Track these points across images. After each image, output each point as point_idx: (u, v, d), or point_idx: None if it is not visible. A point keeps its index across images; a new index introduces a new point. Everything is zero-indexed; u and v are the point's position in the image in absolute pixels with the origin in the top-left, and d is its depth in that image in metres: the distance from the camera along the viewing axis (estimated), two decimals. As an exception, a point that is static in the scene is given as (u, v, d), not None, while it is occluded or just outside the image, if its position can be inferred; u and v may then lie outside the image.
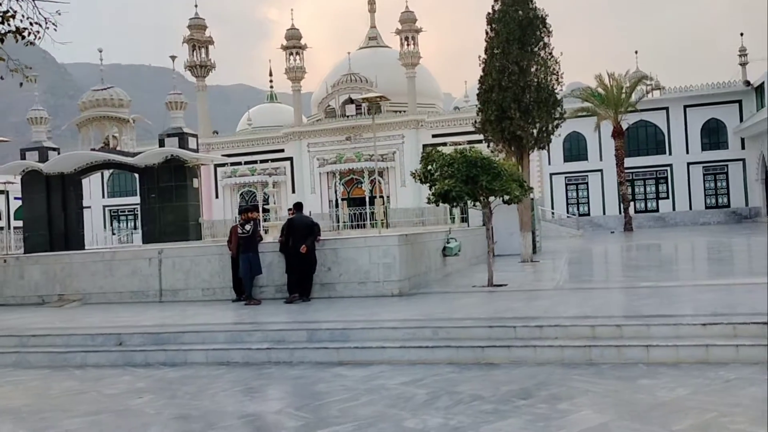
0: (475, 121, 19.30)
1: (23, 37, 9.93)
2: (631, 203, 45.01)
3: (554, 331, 7.72)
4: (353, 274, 12.21)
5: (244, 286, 11.93)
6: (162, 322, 9.94)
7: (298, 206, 12.65)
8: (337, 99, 52.29)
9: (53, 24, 10.10)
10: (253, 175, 51.75)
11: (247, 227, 11.88)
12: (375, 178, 49.48)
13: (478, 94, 19.08)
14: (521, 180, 13.04)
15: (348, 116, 51.22)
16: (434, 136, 48.70)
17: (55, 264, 13.79)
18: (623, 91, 38.19)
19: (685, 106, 45.04)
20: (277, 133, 53.09)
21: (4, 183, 26.33)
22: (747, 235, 27.90)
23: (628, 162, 44.99)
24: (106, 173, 55.65)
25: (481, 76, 18.92)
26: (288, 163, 52.58)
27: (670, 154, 45.41)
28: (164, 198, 22.16)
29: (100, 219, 57.24)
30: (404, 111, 50.55)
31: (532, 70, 18.10)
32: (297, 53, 53.44)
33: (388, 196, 49.73)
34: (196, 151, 23.91)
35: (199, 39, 54.64)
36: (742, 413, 5.08)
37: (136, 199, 53.77)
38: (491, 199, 12.70)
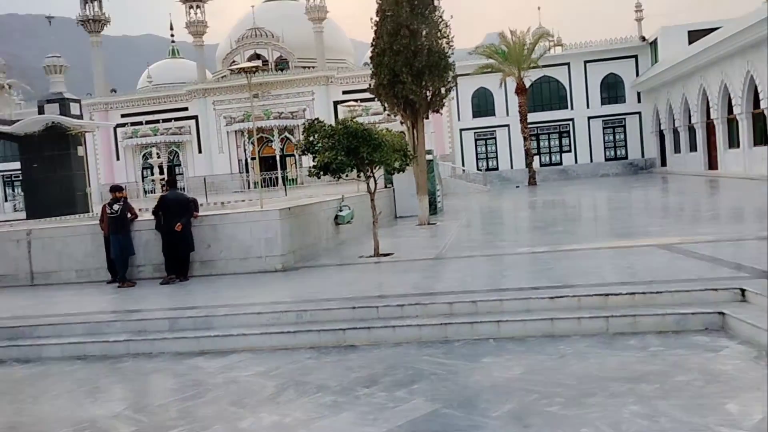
0: (370, 85, 19.13)
1: None
2: (536, 157, 46.25)
3: (414, 309, 7.85)
4: (234, 251, 12.03)
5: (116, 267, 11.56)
6: (22, 312, 9.51)
7: (171, 182, 12.29)
8: (242, 54, 50.76)
9: None
10: (155, 135, 49.97)
11: (116, 207, 11.45)
12: (285, 136, 48.82)
13: (371, 57, 18.87)
14: (405, 149, 13.07)
15: (255, 72, 49.81)
16: (345, 92, 48.19)
17: None
18: (525, 48, 38.69)
19: (586, 62, 46.19)
20: (180, 90, 51.23)
21: None
22: (638, 188, 29.20)
23: (533, 117, 46.00)
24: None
25: (373, 39, 18.66)
26: (193, 122, 50.99)
27: (572, 108, 46.64)
28: (47, 168, 21.07)
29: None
30: (314, 67, 49.68)
31: (423, 33, 17.99)
32: (198, 6, 51.31)
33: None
34: (80, 117, 22.76)
35: (91, -9, 51.59)
36: (561, 394, 5.29)
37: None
38: (375, 169, 12.69)
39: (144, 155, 51.28)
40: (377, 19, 18.50)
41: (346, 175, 12.20)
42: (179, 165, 51.84)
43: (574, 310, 7.44)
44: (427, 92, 18.34)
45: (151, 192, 50.34)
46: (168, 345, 7.91)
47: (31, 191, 21.68)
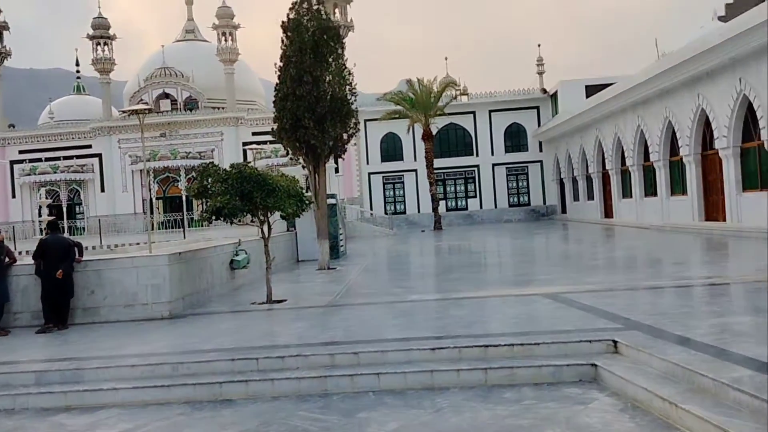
0: (272, 129, 19.12)
1: None
2: (443, 202, 47.27)
3: (295, 361, 7.72)
4: (119, 297, 11.57)
5: (-12, 315, 10.86)
6: None
7: (52, 225, 11.74)
8: (150, 93, 49.79)
9: None
10: (55, 172, 47.93)
11: (-8, 251, 10.82)
12: (192, 176, 47.82)
13: (274, 102, 18.89)
14: (300, 194, 13.03)
15: (163, 112, 48.98)
16: (254, 133, 47.92)
17: None
18: (432, 95, 39.78)
19: (491, 111, 47.91)
20: (83, 127, 49.56)
21: None
22: (537, 235, 30.21)
23: (440, 162, 47.15)
24: None
25: (276, 84, 18.74)
26: (96, 159, 49.30)
27: (478, 155, 48.09)
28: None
29: None
30: (224, 107, 49.26)
31: (326, 80, 18.20)
32: (105, 43, 50.18)
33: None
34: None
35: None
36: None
37: None
38: (270, 214, 12.58)
39: (39, 194, 49.01)
40: (281, 64, 18.61)
41: (239, 220, 12.03)
42: (80, 204, 49.86)
43: (454, 362, 7.51)
44: (329, 138, 18.46)
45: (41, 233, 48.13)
46: (32, 400, 7.43)
47: None
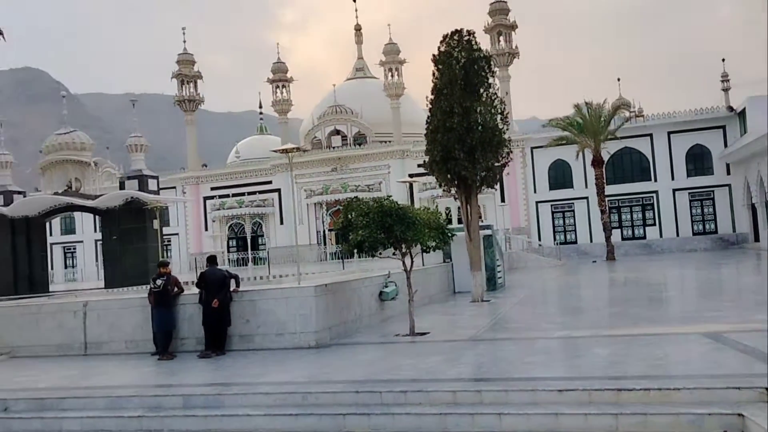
0: (424, 161, 19.36)
1: None
2: (618, 231, 44.94)
3: (418, 396, 7.67)
4: (270, 326, 12.21)
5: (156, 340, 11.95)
6: (57, 383, 9.94)
7: (211, 260, 12.68)
8: (323, 130, 52.62)
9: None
10: (240, 207, 51.97)
11: (159, 282, 11.91)
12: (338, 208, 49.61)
13: (425, 134, 19.16)
14: (442, 227, 13.03)
15: (334, 147, 51.51)
16: (419, 165, 48.62)
17: (-16, 317, 13.86)
18: (602, 119, 38.18)
19: (669, 132, 44.94)
20: (264, 165, 53.37)
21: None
22: (722, 266, 27.68)
23: (614, 189, 44.98)
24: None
25: (427, 117, 19.02)
26: (276, 194, 52.77)
27: (656, 180, 45.21)
28: (125, 240, 22.32)
29: (92, 252, 57.49)
30: (390, 141, 50.76)
31: (477, 110, 18.15)
32: (283, 86, 53.91)
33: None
34: (157, 192, 24.11)
35: (187, 74, 55.28)
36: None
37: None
38: (413, 247, 12.70)
39: (230, 226, 53.35)
40: (432, 97, 18.86)
41: (380, 253, 12.25)
42: (262, 236, 53.50)
43: (582, 405, 7.07)
44: (481, 168, 18.32)
45: (236, 262, 52.18)
46: (178, 423, 8.04)
47: (110, 261, 22.93)
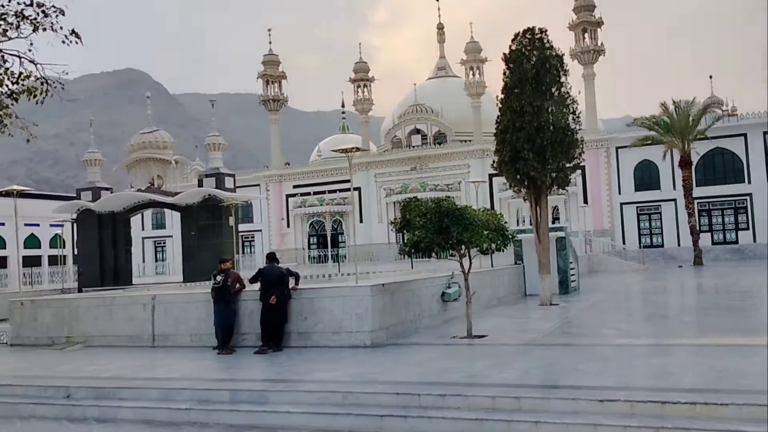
0: (493, 162, 19.09)
1: (34, 96, 10.83)
2: (707, 234, 42.91)
3: (456, 400, 7.58)
4: (327, 324, 12.35)
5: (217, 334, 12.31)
6: (120, 374, 10.40)
7: (270, 256, 12.91)
8: (402, 129, 52.78)
9: (60, 84, 11.00)
10: (321, 205, 52.80)
11: (219, 278, 12.25)
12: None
13: (495, 134, 18.87)
14: (502, 229, 12.80)
15: (413, 146, 51.56)
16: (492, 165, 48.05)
17: (63, 307, 14.67)
18: (690, 118, 36.50)
19: (765, 132, 42.44)
20: (344, 163, 53.97)
21: (62, 221, 28.33)
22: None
23: (704, 191, 42.99)
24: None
25: (497, 116, 18.73)
26: (356, 193, 53.32)
27: (750, 182, 42.81)
28: (202, 236, 23.12)
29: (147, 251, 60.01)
30: (471, 140, 50.34)
31: (548, 110, 17.72)
32: (364, 85, 54.42)
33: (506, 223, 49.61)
34: (234, 190, 24.82)
35: (272, 74, 56.65)
36: None
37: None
38: (471, 248, 12.54)
39: (311, 223, 54.37)
40: (503, 96, 18.56)
41: (436, 254, 12.16)
42: (342, 233, 54.20)
43: (623, 417, 6.79)
44: (551, 169, 17.88)
45: (316, 259, 53.18)
46: (224, 417, 8.25)
47: (188, 256, 23.84)
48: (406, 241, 12.26)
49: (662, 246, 44.41)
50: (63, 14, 10.90)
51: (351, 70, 56.43)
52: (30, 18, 10.78)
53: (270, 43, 57.11)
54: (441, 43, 59.50)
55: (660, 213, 44.92)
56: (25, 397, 9.60)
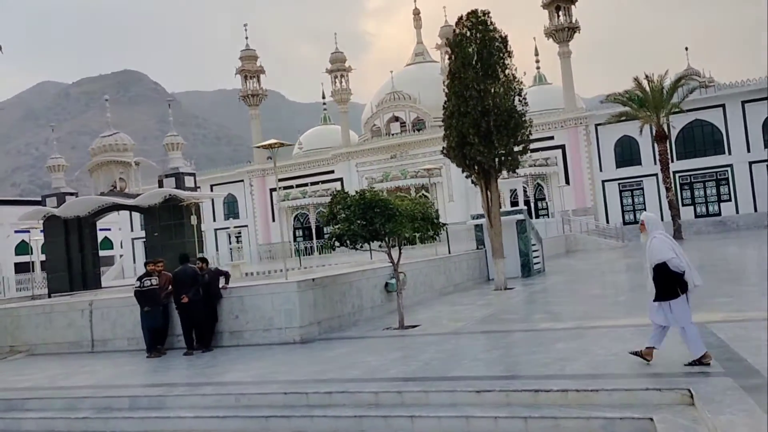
0: (443, 148, 18.96)
1: None
2: (690, 208, 42.89)
3: (342, 397, 7.50)
4: (258, 322, 12.28)
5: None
6: (39, 383, 10.34)
7: (183, 258, 12.84)
8: (381, 118, 52.56)
9: None
10: (304, 197, 52.72)
11: (147, 281, 12.17)
12: (422, 194, 49.35)
13: (442, 120, 18.73)
14: (431, 218, 12.70)
15: (393, 134, 51.36)
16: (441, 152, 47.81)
17: (6, 316, 14.62)
18: (664, 92, 36.23)
19: (743, 102, 42.19)
20: (326, 155, 53.90)
21: (29, 228, 28.32)
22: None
23: (685, 164, 42.98)
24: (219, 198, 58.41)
25: (444, 102, 18.58)
26: (338, 183, 53.18)
27: (730, 153, 42.63)
28: (165, 236, 23.06)
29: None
30: (450, 125, 50.09)
31: (492, 93, 17.55)
32: (341, 75, 54.10)
33: (436, 211, 49.41)
34: (194, 189, 24.71)
35: (250, 69, 56.43)
36: None
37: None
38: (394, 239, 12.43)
39: (296, 216, 54.27)
40: (448, 81, 18.40)
41: (360, 246, 12.07)
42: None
43: (498, 407, 6.71)
44: (500, 153, 17.74)
45: (302, 252, 53.13)
46: (119, 424, 8.20)
47: (152, 257, 23.72)
48: (328, 233, 12.16)
49: (645, 222, 44.23)
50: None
51: (354, 58, 55.83)
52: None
53: (246, 38, 56.85)
54: (418, 28, 59.16)
55: (642, 189, 44.83)
56: (-64, 412, 9.53)
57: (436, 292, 18.06)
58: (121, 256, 59.99)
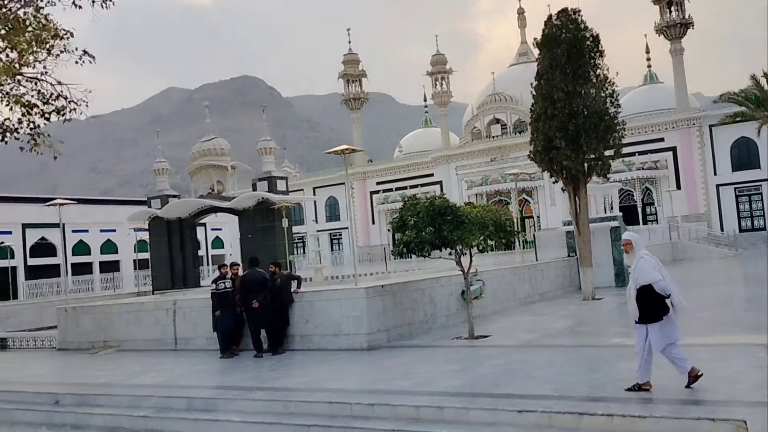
0: (530, 152, 18.38)
1: (63, 115, 11.61)
2: (816, 215, 39.52)
3: (383, 410, 7.36)
4: (327, 327, 12.32)
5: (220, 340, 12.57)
6: (112, 379, 10.84)
7: (252, 261, 13.01)
8: (482, 120, 51.86)
9: (84, 102, 11.71)
10: (403, 200, 52.66)
11: (221, 284, 12.47)
12: (523, 197, 48.30)
13: (530, 123, 18.16)
14: (502, 225, 12.28)
15: (493, 136, 50.54)
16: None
17: (100, 313, 15.48)
18: (784, 90, 33.46)
19: None
20: (426, 158, 53.80)
21: (135, 230, 29.95)
22: None
23: (812, 168, 39.64)
24: (320, 200, 60.22)
25: (531, 104, 18.01)
26: (438, 186, 52.96)
27: None
28: (258, 238, 23.73)
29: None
30: (553, 127, 48.70)
31: (581, 94, 16.81)
32: (442, 78, 53.81)
33: (538, 216, 48.28)
34: (286, 192, 25.25)
35: (352, 74, 57.26)
36: None
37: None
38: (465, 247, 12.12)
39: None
40: (536, 82, 17.83)
41: (428, 253, 11.84)
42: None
43: (539, 428, 6.35)
44: (589, 157, 16.97)
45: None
46: (175, 425, 8.41)
47: (246, 258, 24.52)
48: (396, 241, 12.02)
49: (764, 229, 41.21)
50: (72, 36, 11.50)
51: (463, 60, 55.37)
52: (44, 41, 11.37)
53: (349, 42, 57.71)
54: (522, 28, 57.89)
55: (761, 194, 41.72)
56: (19, 402, 10.18)
57: (520, 300, 17.50)
58: (230, 255, 62.43)
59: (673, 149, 44.00)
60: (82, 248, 37.46)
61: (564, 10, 17.90)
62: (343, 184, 58.35)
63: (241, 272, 13.31)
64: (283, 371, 10.28)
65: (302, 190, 59.88)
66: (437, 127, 63.21)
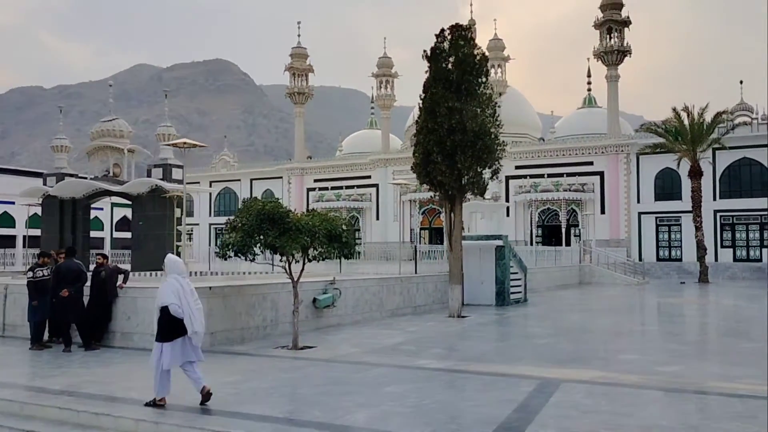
0: (412, 165, 18.23)
1: None
2: (729, 250, 40.54)
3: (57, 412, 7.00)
4: (148, 326, 11.84)
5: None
6: None
7: (69, 251, 12.50)
8: (421, 127, 51.77)
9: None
10: (338, 200, 52.47)
11: (39, 272, 11.96)
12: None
13: (413, 135, 18.02)
14: (340, 236, 12.02)
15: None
16: (518, 167, 46.54)
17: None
18: (703, 126, 34.21)
19: (798, 143, 39.48)
20: (364, 159, 53.54)
21: (28, 205, 28.88)
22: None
23: (728, 204, 40.64)
24: (214, 193, 59.42)
25: (417, 117, 17.88)
26: (374, 189, 52.78)
27: (777, 196, 39.94)
28: (149, 226, 23.13)
29: (206, 236, 60.59)
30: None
31: (464, 111, 16.70)
32: (387, 81, 53.64)
33: (348, 230, 48.28)
34: (181, 181, 24.69)
35: (299, 67, 56.67)
36: None
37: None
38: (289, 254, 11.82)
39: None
40: (422, 95, 17.69)
41: (252, 258, 11.51)
42: (358, 230, 53.69)
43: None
44: (465, 174, 16.87)
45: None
46: None
47: (136, 246, 23.94)
48: (220, 242, 11.69)
49: (680, 260, 42.06)
50: None
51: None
52: None
53: (299, 36, 57.08)
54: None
55: (680, 225, 42.51)
56: None
57: (388, 312, 17.31)
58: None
59: (601, 174, 44.58)
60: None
61: (457, 26, 17.84)
62: (281, 177, 57.78)
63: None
64: (67, 369, 9.84)
65: (239, 180, 59.17)
66: (380, 130, 63.17)
